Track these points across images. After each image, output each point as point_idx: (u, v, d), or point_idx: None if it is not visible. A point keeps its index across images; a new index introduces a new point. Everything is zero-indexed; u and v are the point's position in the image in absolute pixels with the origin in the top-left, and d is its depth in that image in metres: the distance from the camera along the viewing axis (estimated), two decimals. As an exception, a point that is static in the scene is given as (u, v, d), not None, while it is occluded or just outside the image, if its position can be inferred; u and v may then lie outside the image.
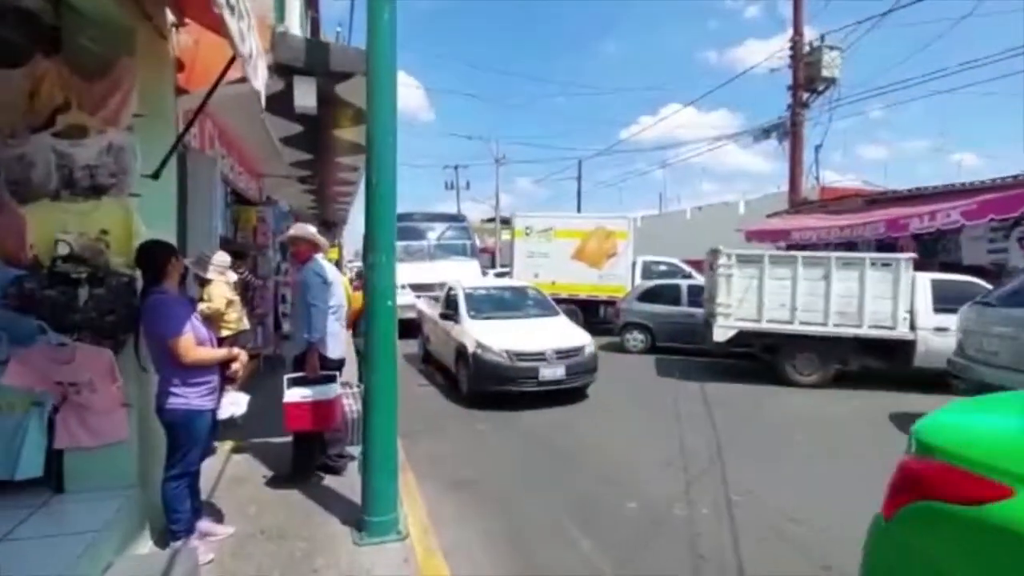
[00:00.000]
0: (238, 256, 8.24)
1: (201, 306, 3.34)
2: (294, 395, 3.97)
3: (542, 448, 5.65)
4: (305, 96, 4.16)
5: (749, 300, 8.45)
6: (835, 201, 13.69)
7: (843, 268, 8.19)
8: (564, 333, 7.68)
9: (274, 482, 4.34)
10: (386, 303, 3.35)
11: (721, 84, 66.84)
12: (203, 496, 3.95)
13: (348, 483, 4.22)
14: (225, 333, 3.88)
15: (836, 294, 8.16)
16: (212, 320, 3.59)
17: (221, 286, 3.83)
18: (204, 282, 3.82)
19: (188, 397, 2.93)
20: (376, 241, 3.36)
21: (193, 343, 2.93)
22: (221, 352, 3.11)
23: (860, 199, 12.91)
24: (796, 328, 8.27)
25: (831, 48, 14.01)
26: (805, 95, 14.37)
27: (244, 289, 8.14)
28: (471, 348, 7.10)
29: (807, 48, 14.33)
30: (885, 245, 11.15)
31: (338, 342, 4.35)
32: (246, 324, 3.99)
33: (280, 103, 4.77)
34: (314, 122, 5.38)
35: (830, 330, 8.19)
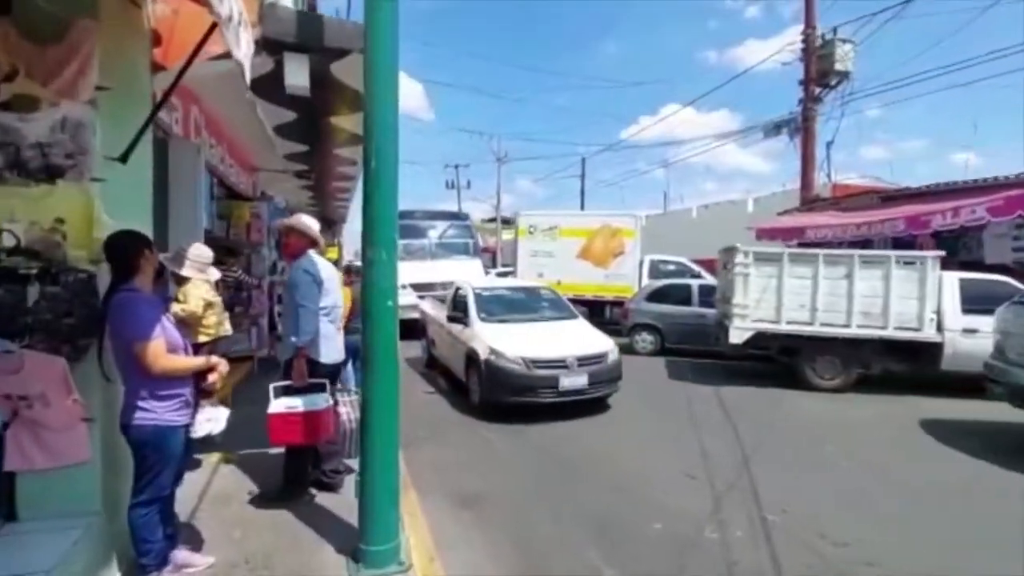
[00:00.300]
0: (231, 254, 7.87)
1: (175, 308, 2.92)
2: (279, 405, 3.59)
3: (554, 458, 5.25)
4: (296, 74, 3.77)
5: (767, 300, 8.05)
6: (849, 198, 13.29)
7: (867, 267, 7.79)
8: (585, 338, 7.10)
9: (263, 500, 3.94)
10: (386, 303, 2.96)
11: (727, 80, 66.04)
12: (184, 517, 3.58)
13: (344, 502, 3.82)
14: (203, 339, 3.43)
15: (859, 294, 7.77)
16: (188, 324, 3.17)
17: (199, 286, 3.38)
18: (181, 280, 3.39)
19: (157, 412, 2.54)
20: (376, 235, 2.97)
21: (163, 349, 2.54)
22: (196, 361, 2.71)
23: (875, 196, 12.52)
24: (817, 330, 7.87)
25: (844, 41, 13.60)
26: (817, 90, 13.97)
27: (237, 289, 7.77)
28: (483, 354, 6.52)
29: (819, 41, 13.93)
30: (902, 243, 10.75)
31: (332, 346, 3.96)
32: (227, 329, 3.53)
33: (270, 86, 4.39)
34: (308, 107, 4.99)
35: (853, 331, 7.79)
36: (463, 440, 5.83)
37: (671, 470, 4.92)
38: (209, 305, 3.37)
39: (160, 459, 2.59)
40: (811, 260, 7.95)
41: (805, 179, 14.22)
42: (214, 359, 2.77)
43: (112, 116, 3.00)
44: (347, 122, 5.46)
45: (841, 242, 11.50)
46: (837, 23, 13.82)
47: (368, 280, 2.97)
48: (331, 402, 3.75)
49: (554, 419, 6.33)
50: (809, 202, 13.96)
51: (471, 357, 6.83)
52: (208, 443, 2.79)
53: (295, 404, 3.59)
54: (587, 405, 6.65)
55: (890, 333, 7.73)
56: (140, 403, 2.54)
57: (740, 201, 19.64)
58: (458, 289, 8.34)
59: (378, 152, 2.95)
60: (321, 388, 3.74)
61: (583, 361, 6.49)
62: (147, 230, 3.15)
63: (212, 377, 2.71)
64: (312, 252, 4.05)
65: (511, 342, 6.55)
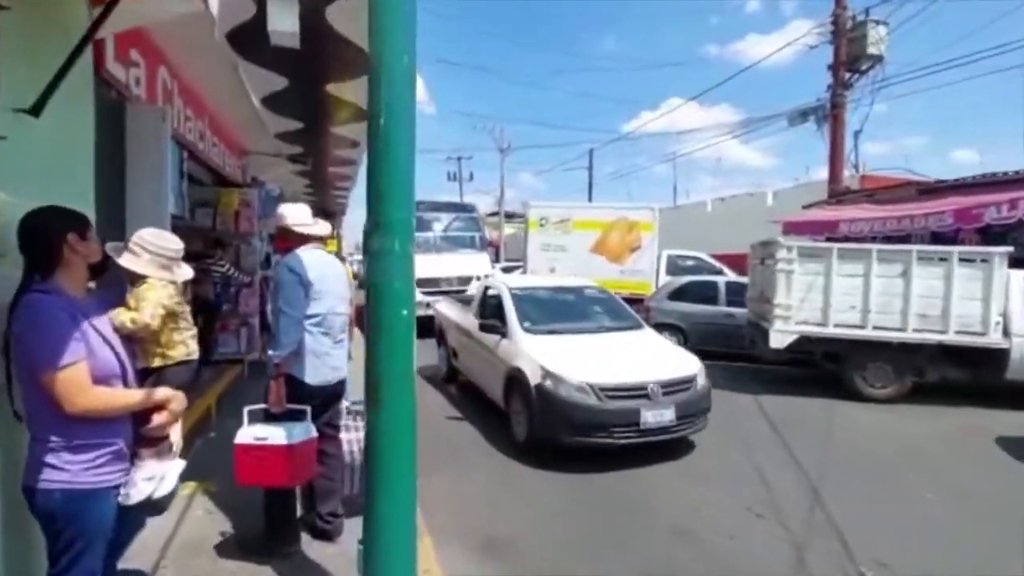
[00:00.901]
0: (219, 246, 7.08)
1: (121, 317, 2.10)
2: (247, 435, 2.87)
3: (593, 486, 4.47)
4: (282, 18, 2.97)
5: (812, 301, 7.27)
6: (884, 190, 12.47)
7: (925, 264, 7.00)
8: (664, 357, 5.54)
9: (241, 550, 3.18)
10: (400, 312, 2.17)
11: (743, 70, 64.56)
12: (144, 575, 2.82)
13: (344, 556, 3.04)
14: (158, 363, 2.57)
15: (916, 294, 6.98)
16: (138, 341, 2.32)
17: (159, 288, 2.46)
18: (135, 280, 2.52)
19: (70, 469, 1.76)
20: (384, 218, 2.17)
21: (85, 379, 1.76)
22: (133, 396, 1.92)
23: (912, 188, 11.71)
24: (869, 334, 7.09)
25: (877, 23, 12.75)
26: (847, 75, 13.11)
27: (225, 285, 6.99)
28: (533, 378, 4.99)
29: (849, 23, 13.08)
30: (942, 238, 9.94)
31: (322, 363, 3.18)
32: (192, 351, 2.55)
33: (254, 41, 3.60)
34: (300, 70, 4.19)
35: (909, 336, 7.01)
36: (505, 487, 4.52)
37: (732, 506, 4.15)
38: (171, 316, 2.44)
39: (78, 535, 1.82)
40: (863, 256, 7.16)
41: (833, 170, 13.38)
42: (161, 393, 1.98)
43: (25, 55, 2.22)
44: (348, 91, 4.66)
45: (875, 237, 10.72)
46: (870, 4, 12.88)
47: (375, 280, 2.18)
48: (312, 435, 3.00)
49: (628, 465, 4.80)
50: (838, 195, 13.14)
51: (514, 379, 5.32)
52: (148, 507, 1.99)
53: (266, 435, 2.85)
54: (670, 447, 5.09)
55: (950, 338, 6.94)
56: (49, 458, 1.76)
57: (759, 194, 18.83)
58: (488, 289, 6.96)
59: (389, 107, 2.14)
60: (301, 416, 3.01)
61: (668, 388, 4.96)
62: (88, 211, 2.38)
63: (157, 419, 1.93)
64: (306, 248, 3.29)
65: (570, 362, 5.05)
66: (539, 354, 5.21)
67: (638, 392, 4.86)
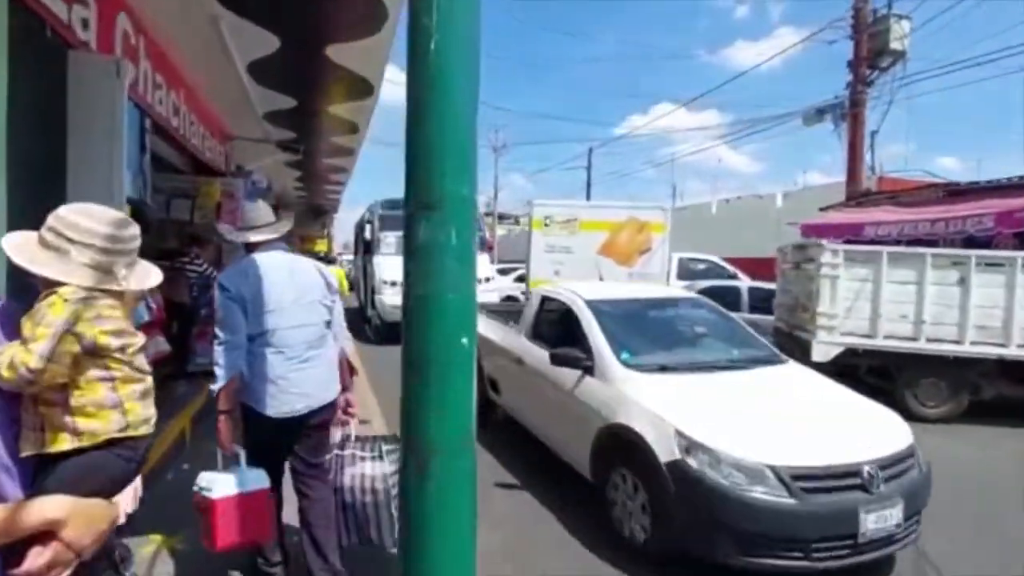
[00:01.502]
0: (196, 242, 6.27)
1: (6, 355, 1.21)
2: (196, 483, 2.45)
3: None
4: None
5: (859, 309, 6.63)
6: (907, 192, 11.92)
7: (985, 271, 6.39)
8: (859, 415, 3.60)
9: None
10: (458, 340, 1.40)
11: (753, 67, 63.56)
12: None
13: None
14: (64, 446, 1.35)
15: (975, 304, 6.36)
16: (35, 403, 1.25)
17: (69, 305, 1.38)
18: (47, 286, 1.42)
19: None
20: (432, 193, 1.40)
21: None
22: None
23: (939, 190, 11.15)
24: (923, 346, 6.45)
25: (900, 17, 12.20)
26: (868, 71, 12.55)
27: (204, 287, 6.16)
28: (663, 449, 3.10)
29: (871, 17, 12.51)
30: (976, 243, 9.38)
31: (279, 391, 2.55)
32: (134, 421, 1.46)
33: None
34: (295, 21, 3.42)
35: (966, 349, 6.38)
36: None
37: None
38: (94, 355, 1.44)
39: None
40: (916, 261, 6.53)
41: (852, 171, 12.80)
42: (44, 510, 1.03)
43: None
44: (351, 56, 3.90)
45: (900, 240, 10.15)
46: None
47: (418, 291, 1.41)
48: (252, 486, 2.40)
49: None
50: (857, 196, 12.57)
51: (618, 440, 3.44)
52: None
53: (209, 484, 2.36)
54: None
55: (1012, 352, 6.33)
56: None
57: (768, 196, 18.34)
58: (547, 299, 5.04)
59: (443, 21, 1.38)
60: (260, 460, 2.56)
61: (889, 471, 3.09)
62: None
63: (34, 559, 1.01)
64: (261, 250, 2.67)
65: (726, 425, 3.18)
66: (664, 407, 3.29)
67: (850, 480, 2.97)
